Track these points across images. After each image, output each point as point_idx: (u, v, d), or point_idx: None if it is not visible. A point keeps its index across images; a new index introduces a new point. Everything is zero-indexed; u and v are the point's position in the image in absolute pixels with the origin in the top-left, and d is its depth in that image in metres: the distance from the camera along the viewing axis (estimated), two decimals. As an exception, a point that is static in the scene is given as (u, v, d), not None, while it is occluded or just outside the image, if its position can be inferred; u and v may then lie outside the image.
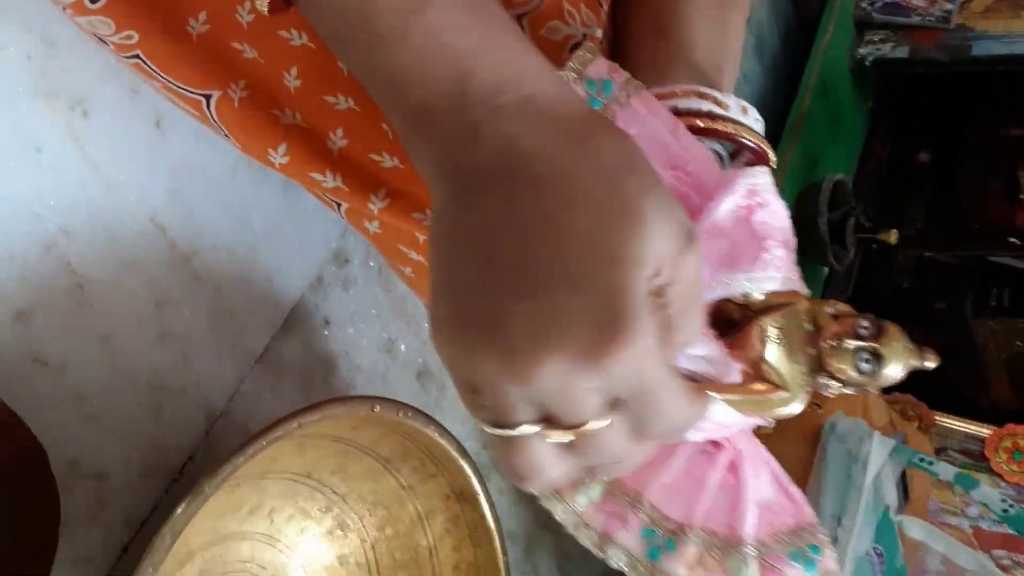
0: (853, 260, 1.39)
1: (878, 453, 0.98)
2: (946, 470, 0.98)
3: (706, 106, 0.45)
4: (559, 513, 0.42)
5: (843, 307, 0.42)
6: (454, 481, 0.72)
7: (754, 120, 0.46)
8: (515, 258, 0.30)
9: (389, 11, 0.33)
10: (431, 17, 0.33)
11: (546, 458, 0.32)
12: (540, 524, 1.01)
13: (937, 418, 1.48)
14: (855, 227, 1.35)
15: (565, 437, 0.31)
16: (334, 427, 0.65)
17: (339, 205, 0.56)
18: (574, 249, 0.30)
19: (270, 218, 0.72)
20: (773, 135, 1.49)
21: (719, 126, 0.45)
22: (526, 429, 0.31)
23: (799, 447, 1.00)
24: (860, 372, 0.40)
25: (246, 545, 0.68)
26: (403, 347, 0.85)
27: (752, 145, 0.46)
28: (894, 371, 0.40)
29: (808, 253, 1.34)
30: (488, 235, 0.31)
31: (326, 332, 0.77)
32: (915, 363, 0.40)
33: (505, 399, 0.31)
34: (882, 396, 1.27)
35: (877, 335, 0.40)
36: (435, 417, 0.68)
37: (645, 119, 0.43)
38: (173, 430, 0.64)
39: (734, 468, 0.43)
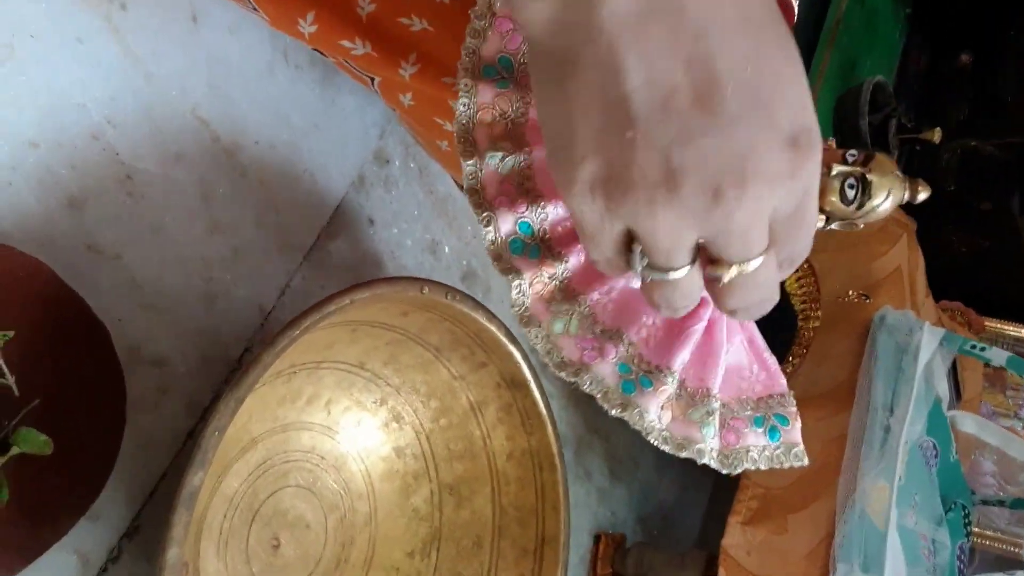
0: (896, 162, 1.37)
1: (928, 343, 0.97)
2: (999, 355, 0.97)
3: None
4: (532, 336, 0.42)
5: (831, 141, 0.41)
6: (504, 369, 0.72)
7: None
8: (694, 99, 0.28)
9: None
10: None
11: (698, 288, 0.32)
12: (590, 428, 1.02)
13: (987, 323, 1.47)
14: (897, 128, 1.33)
15: (732, 273, 0.31)
16: (384, 312, 0.65)
17: (372, 80, 0.56)
18: (758, 83, 0.28)
19: (308, 116, 0.72)
20: (810, 42, 1.47)
21: None
22: (690, 270, 0.31)
23: (849, 340, 0.99)
24: (846, 201, 0.40)
25: (306, 435, 0.69)
26: (447, 249, 0.85)
27: None
28: (881, 200, 0.39)
29: (849, 159, 1.32)
30: (650, 80, 0.28)
31: (371, 231, 0.78)
32: (903, 193, 0.40)
33: (679, 242, 0.30)
34: (930, 300, 1.25)
35: (865, 163, 0.40)
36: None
37: None
38: (228, 322, 0.65)
39: (711, 327, 0.42)
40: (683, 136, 0.28)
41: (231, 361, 0.65)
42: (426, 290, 0.63)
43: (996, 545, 1.25)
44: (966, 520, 1.08)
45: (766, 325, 1.03)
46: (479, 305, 0.68)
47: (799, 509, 0.90)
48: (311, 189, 0.72)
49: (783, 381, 0.45)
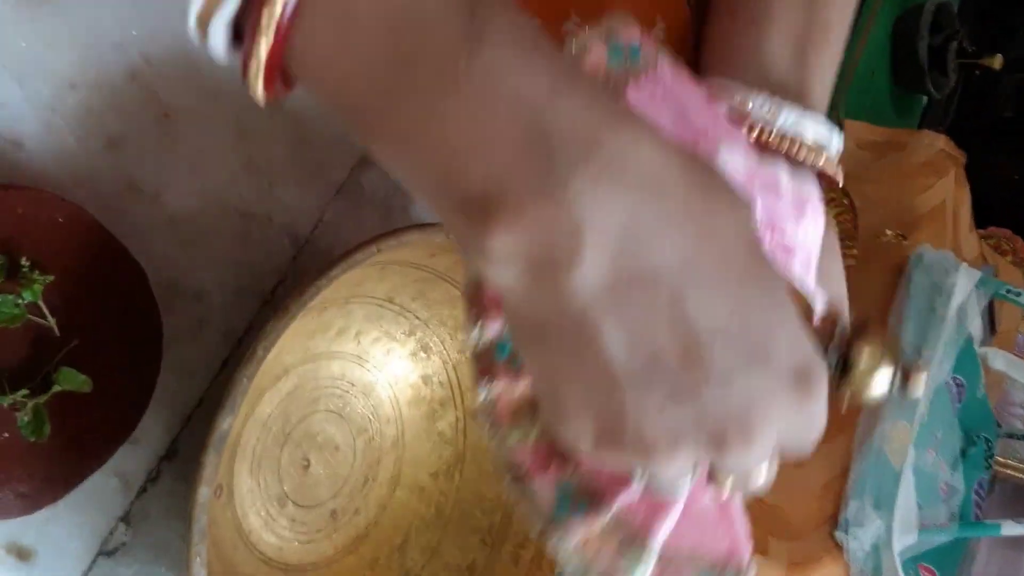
0: (954, 88, 1.33)
1: (963, 284, 0.97)
2: (1034, 301, 0.96)
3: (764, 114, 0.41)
4: (488, 433, 0.40)
5: (832, 306, 0.40)
6: None
7: (825, 140, 0.42)
8: (681, 360, 0.28)
9: (433, 55, 0.25)
10: (485, 57, 0.25)
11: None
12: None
13: (1034, 252, 1.44)
14: (957, 52, 1.28)
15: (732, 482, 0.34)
16: (412, 254, 0.67)
17: None
18: (746, 334, 0.29)
19: (346, 48, 0.72)
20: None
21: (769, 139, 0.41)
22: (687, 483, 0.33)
23: (883, 277, 0.99)
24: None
25: (336, 364, 0.72)
26: (481, 178, 0.86)
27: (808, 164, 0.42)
28: (861, 388, 0.38)
29: (906, 81, 1.28)
30: (631, 346, 0.28)
31: (405, 162, 0.78)
32: (887, 385, 0.38)
33: (683, 476, 0.32)
34: (975, 229, 1.24)
35: (851, 340, 0.37)
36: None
37: (670, 87, 0.39)
38: (263, 255, 0.67)
39: None
40: (676, 395, 0.28)
41: (264, 293, 0.68)
42: (452, 236, 0.64)
43: (1017, 475, 1.26)
44: (988, 453, 1.10)
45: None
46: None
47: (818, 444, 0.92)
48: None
49: (747, 552, 0.43)
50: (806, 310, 0.38)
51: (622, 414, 0.29)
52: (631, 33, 0.39)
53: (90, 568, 0.60)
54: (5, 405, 0.50)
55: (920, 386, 0.38)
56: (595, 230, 0.26)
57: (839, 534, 0.86)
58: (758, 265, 0.29)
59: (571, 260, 0.26)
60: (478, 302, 0.39)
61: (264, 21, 0.25)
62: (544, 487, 0.39)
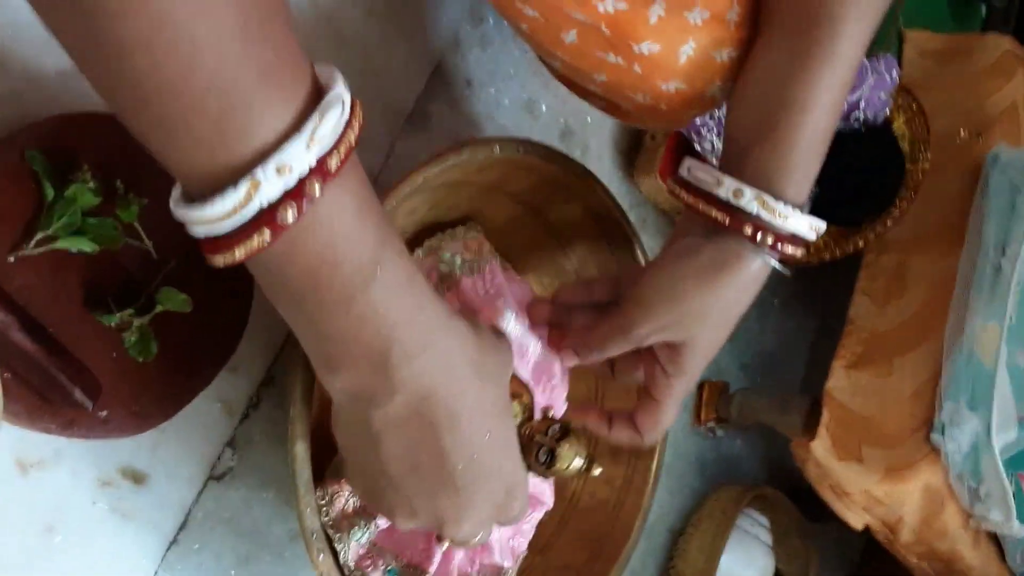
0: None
1: (1045, 180, 0.94)
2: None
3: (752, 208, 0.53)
4: (336, 541, 0.58)
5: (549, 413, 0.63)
6: (590, 204, 0.72)
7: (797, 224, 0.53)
8: (434, 470, 0.46)
9: (340, 289, 0.40)
10: (374, 295, 0.40)
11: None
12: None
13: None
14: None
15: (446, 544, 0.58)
16: (461, 173, 0.66)
17: None
18: (478, 463, 0.46)
19: (402, -21, 0.73)
20: None
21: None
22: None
23: (960, 181, 0.96)
24: (537, 464, 0.58)
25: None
26: (544, 107, 0.86)
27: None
28: (565, 467, 0.58)
29: (964, -9, 1.24)
30: (410, 453, 0.45)
31: (468, 92, 0.79)
32: (583, 464, 0.59)
33: (412, 532, 0.57)
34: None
35: (560, 438, 0.58)
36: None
37: (491, 281, 0.65)
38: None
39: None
40: (422, 491, 0.46)
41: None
42: (497, 149, 0.63)
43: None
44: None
45: (872, 169, 1.01)
46: (553, 152, 0.67)
47: (905, 352, 0.91)
48: (408, 53, 0.74)
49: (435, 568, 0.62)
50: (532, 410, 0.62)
51: (387, 500, 0.48)
52: (455, 247, 0.65)
53: (201, 492, 0.62)
54: (112, 325, 0.52)
55: (599, 470, 0.60)
56: (404, 392, 0.43)
57: (935, 437, 0.84)
58: (503, 420, 0.48)
59: (381, 402, 0.43)
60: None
61: (239, 251, 0.37)
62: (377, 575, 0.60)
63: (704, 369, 0.59)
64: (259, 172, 0.34)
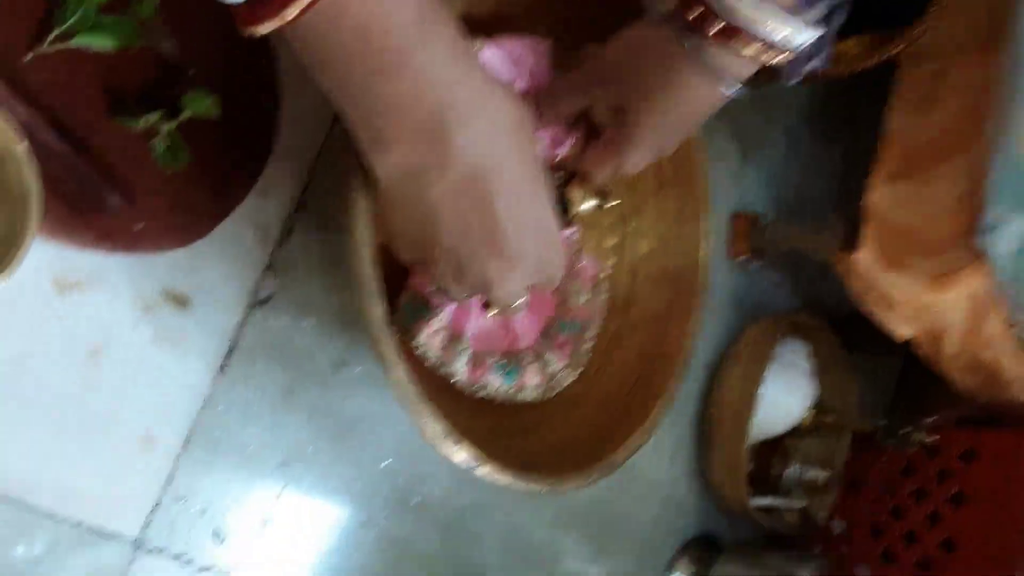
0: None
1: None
2: None
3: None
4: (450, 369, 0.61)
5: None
6: None
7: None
8: (483, 239, 0.46)
9: (391, 52, 0.38)
10: (424, 58, 0.39)
11: None
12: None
13: None
14: None
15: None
16: None
17: None
18: (523, 226, 0.46)
19: None
20: None
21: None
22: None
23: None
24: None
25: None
26: None
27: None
28: (575, 210, 0.59)
29: None
30: (464, 221, 0.45)
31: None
32: (593, 203, 0.59)
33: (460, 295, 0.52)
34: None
35: (564, 184, 0.58)
36: None
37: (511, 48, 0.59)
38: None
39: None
40: (473, 257, 0.47)
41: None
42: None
43: None
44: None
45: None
46: None
47: (946, 159, 0.88)
48: None
49: (525, 343, 0.66)
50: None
51: (440, 268, 0.48)
52: None
53: (244, 319, 0.60)
54: (139, 130, 0.49)
55: (613, 200, 0.61)
56: (460, 161, 0.42)
57: (980, 240, 0.82)
58: (540, 181, 0.47)
59: (437, 174, 0.43)
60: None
61: (291, 8, 0.35)
62: (492, 376, 0.63)
63: (655, 149, 0.55)
64: None
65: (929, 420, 1.01)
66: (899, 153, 0.91)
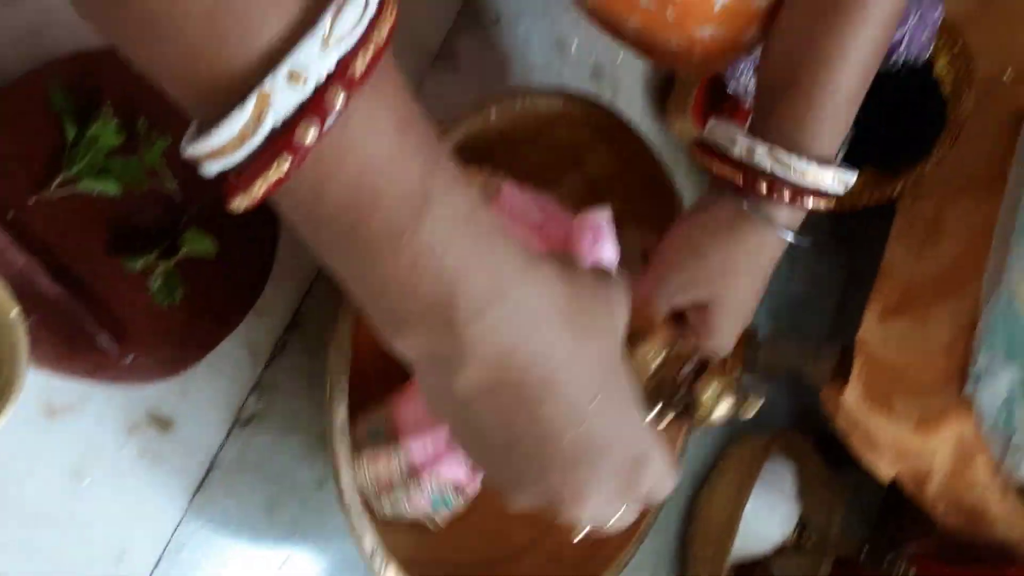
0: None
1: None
2: None
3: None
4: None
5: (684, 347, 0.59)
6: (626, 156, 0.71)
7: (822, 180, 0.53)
8: (536, 444, 0.38)
9: (383, 228, 0.32)
10: (425, 234, 0.32)
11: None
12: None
13: None
14: None
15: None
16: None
17: None
18: (587, 433, 0.38)
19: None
20: None
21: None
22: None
23: (1003, 124, 0.93)
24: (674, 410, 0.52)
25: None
26: (575, 45, 0.83)
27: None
28: (706, 413, 0.52)
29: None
30: (506, 424, 0.37)
31: (497, 29, 0.76)
32: (726, 410, 0.54)
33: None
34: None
35: (695, 378, 0.52)
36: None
37: (513, 198, 0.60)
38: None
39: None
40: (529, 468, 0.38)
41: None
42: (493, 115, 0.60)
43: None
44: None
45: (912, 112, 0.97)
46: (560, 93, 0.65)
47: (941, 300, 0.89)
48: (437, -13, 0.71)
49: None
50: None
51: (494, 474, 0.40)
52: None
53: (227, 437, 0.61)
54: (137, 269, 0.51)
55: (753, 410, 0.53)
56: (479, 354, 0.35)
57: (969, 387, 0.82)
58: (614, 377, 0.39)
59: (458, 368, 0.35)
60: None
61: (258, 185, 0.30)
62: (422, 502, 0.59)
63: (734, 338, 0.61)
64: (268, 82, 0.28)
65: (911, 549, 1.01)
66: (896, 288, 0.92)
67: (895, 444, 0.85)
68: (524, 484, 0.39)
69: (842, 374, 0.89)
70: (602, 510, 0.41)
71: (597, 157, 0.72)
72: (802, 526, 1.02)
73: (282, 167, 0.30)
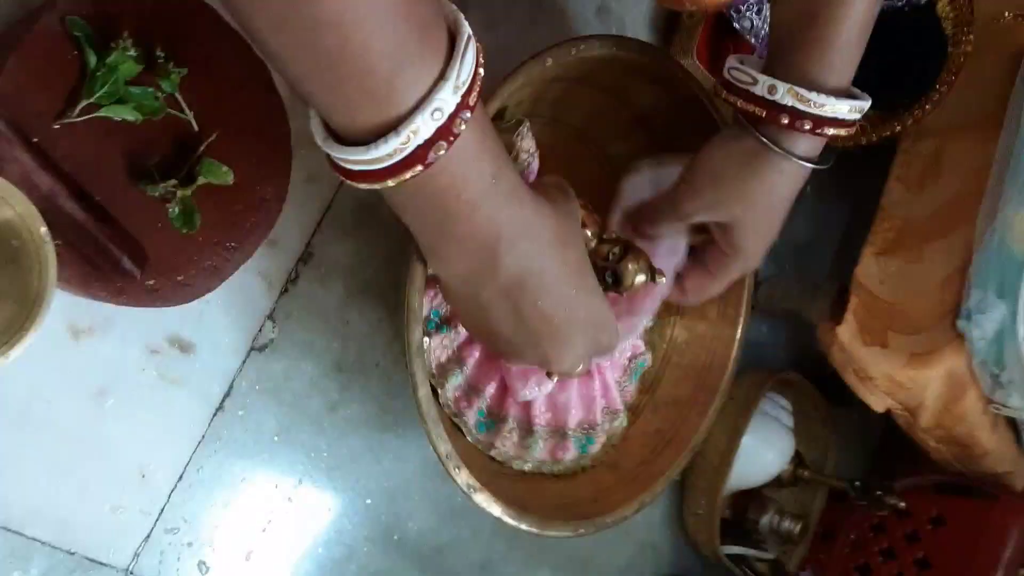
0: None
1: (1091, 64, 0.91)
2: None
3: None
4: (440, 392, 0.66)
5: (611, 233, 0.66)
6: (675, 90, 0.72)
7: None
8: (535, 324, 0.53)
9: (462, 202, 0.46)
10: (492, 201, 0.47)
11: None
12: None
13: None
14: None
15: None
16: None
17: None
18: (570, 312, 0.54)
19: None
20: None
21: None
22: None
23: (1002, 65, 0.93)
24: (607, 284, 0.62)
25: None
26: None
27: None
28: (630, 284, 0.62)
29: None
30: (514, 315, 0.52)
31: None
32: (646, 276, 0.62)
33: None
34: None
35: (620, 258, 0.62)
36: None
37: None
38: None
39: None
40: (528, 342, 0.54)
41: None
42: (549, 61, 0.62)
43: None
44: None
45: (913, 52, 0.98)
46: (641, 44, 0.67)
47: (936, 238, 0.90)
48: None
49: (595, 415, 0.73)
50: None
51: (500, 349, 0.57)
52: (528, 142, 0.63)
53: (244, 362, 0.64)
54: (156, 195, 0.52)
55: (662, 280, 0.64)
56: (506, 271, 0.50)
57: (961, 323, 0.84)
58: (584, 273, 0.55)
59: (488, 281, 0.51)
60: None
61: (391, 182, 0.42)
62: (470, 416, 0.67)
63: (761, 254, 0.65)
64: (418, 119, 0.39)
65: (902, 483, 1.04)
66: (892, 228, 0.94)
67: (888, 378, 0.87)
68: (525, 353, 0.55)
69: (839, 311, 0.91)
70: (575, 363, 0.56)
71: (646, 97, 0.74)
72: (798, 460, 1.04)
73: (414, 171, 0.42)
